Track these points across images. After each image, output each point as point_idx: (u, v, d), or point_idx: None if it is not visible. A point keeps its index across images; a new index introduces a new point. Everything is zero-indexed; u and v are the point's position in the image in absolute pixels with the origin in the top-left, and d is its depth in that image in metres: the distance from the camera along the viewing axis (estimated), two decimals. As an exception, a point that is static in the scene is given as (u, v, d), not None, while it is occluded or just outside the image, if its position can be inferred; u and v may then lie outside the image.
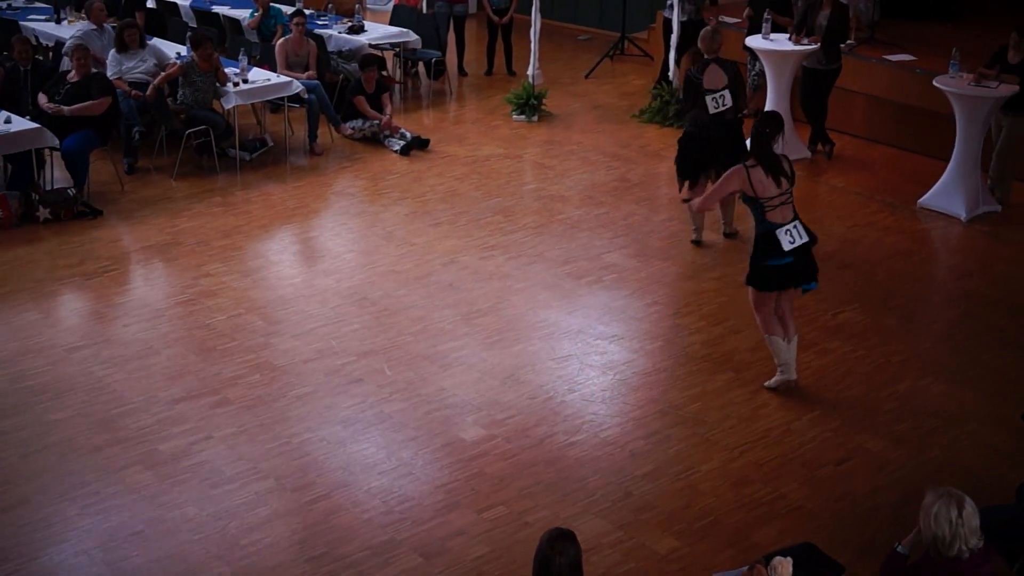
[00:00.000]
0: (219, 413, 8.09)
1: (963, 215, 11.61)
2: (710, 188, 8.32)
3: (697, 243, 10.93)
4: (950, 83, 11.60)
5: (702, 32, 10.66)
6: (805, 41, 12.89)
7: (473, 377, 8.59)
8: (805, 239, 8.10)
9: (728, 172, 8.19)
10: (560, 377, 8.65)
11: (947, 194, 11.77)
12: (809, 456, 7.69)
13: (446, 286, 10.12)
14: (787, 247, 8.03)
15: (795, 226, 8.07)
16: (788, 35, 13.12)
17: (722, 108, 10.51)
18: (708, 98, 10.47)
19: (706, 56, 10.59)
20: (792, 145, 13.29)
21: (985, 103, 11.38)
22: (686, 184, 10.83)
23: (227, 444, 7.73)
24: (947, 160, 11.91)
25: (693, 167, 10.76)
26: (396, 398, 8.30)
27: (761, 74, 14.15)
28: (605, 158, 13.39)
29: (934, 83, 11.79)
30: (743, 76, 10.74)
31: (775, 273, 8.14)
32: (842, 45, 13.20)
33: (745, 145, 10.53)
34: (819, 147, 13.55)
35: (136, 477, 7.38)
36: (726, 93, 10.52)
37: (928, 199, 11.92)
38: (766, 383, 8.50)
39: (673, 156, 11.05)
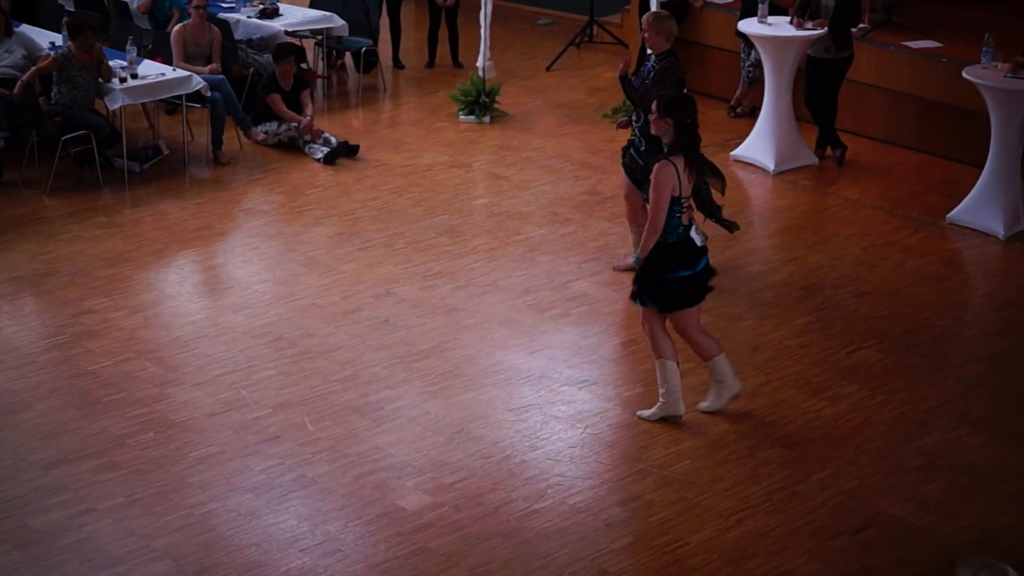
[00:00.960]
0: (104, 480, 8.03)
1: (1001, 232, 11.75)
2: (656, 202, 8.23)
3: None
4: (982, 74, 11.74)
5: (646, 17, 10.42)
6: (809, 25, 13.01)
7: (414, 433, 8.58)
8: (705, 237, 8.53)
9: (656, 176, 8.20)
10: (519, 432, 8.65)
11: (981, 207, 11.90)
12: (820, 524, 7.73)
13: (380, 323, 10.12)
14: (700, 242, 8.40)
15: (694, 227, 8.46)
16: (789, 18, 13.24)
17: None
18: None
19: (650, 50, 10.48)
20: (795, 149, 13.41)
21: (1024, 98, 11.54)
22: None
23: (114, 518, 7.68)
24: (980, 167, 12.05)
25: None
26: (320, 459, 8.28)
27: (757, 65, 14.27)
28: (571, 166, 13.45)
29: (963, 74, 11.94)
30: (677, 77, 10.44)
31: (688, 286, 8.43)
32: (854, 30, 13.33)
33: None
34: (828, 151, 13.66)
35: (3, 560, 7.30)
36: None
37: (959, 213, 12.05)
38: (640, 413, 8.74)
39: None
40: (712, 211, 9.74)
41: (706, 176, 8.55)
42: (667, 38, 10.33)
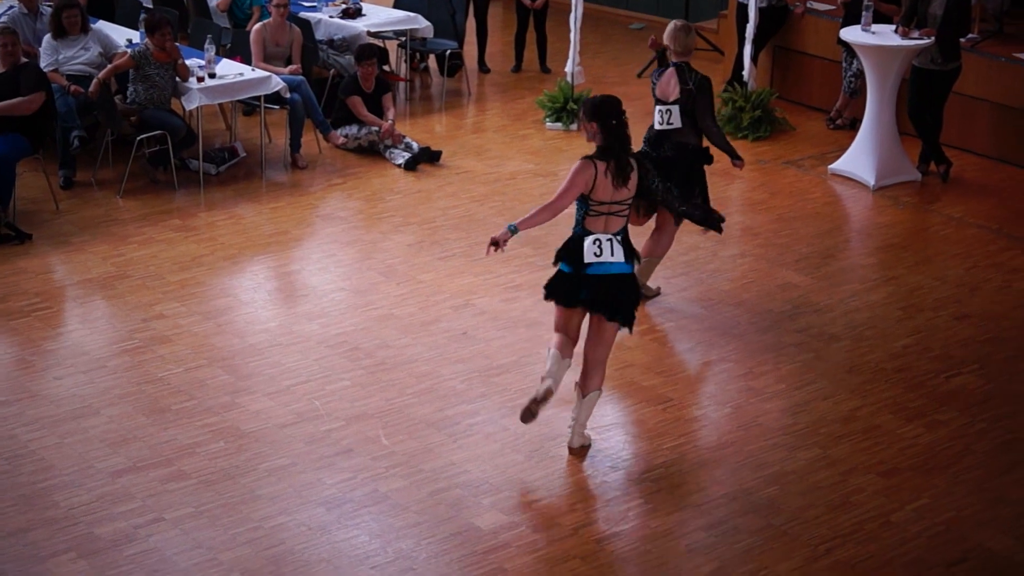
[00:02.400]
0: (172, 489, 8.14)
1: (1113, 255, 11.64)
2: (564, 185, 8.26)
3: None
4: (1098, 89, 11.65)
5: (669, 27, 10.41)
6: (915, 34, 12.96)
7: (491, 449, 8.63)
8: (618, 258, 8.24)
9: (572, 170, 8.22)
10: (601, 451, 8.68)
11: (1093, 228, 11.80)
12: (914, 556, 7.69)
13: (459, 335, 10.19)
14: (588, 258, 8.24)
15: (609, 240, 8.26)
16: (894, 27, 13.18)
17: (667, 127, 10.42)
18: (656, 109, 10.42)
19: (672, 59, 10.45)
20: (897, 164, 13.35)
21: None
22: None
23: (181, 528, 7.78)
24: (1093, 185, 11.96)
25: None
26: (394, 474, 8.34)
27: (859, 75, 14.22)
28: (661, 177, 13.45)
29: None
30: (710, 97, 10.40)
31: (561, 282, 8.40)
32: (962, 40, 13.26)
33: (694, 184, 10.49)
34: (932, 167, 13.59)
35: (67, 567, 7.42)
36: (674, 110, 10.35)
37: (1069, 234, 11.96)
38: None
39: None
40: (673, 204, 9.57)
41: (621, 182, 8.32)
42: (680, 51, 10.33)
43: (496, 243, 8.27)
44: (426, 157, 13.83)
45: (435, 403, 9.18)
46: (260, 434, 8.75)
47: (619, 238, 8.32)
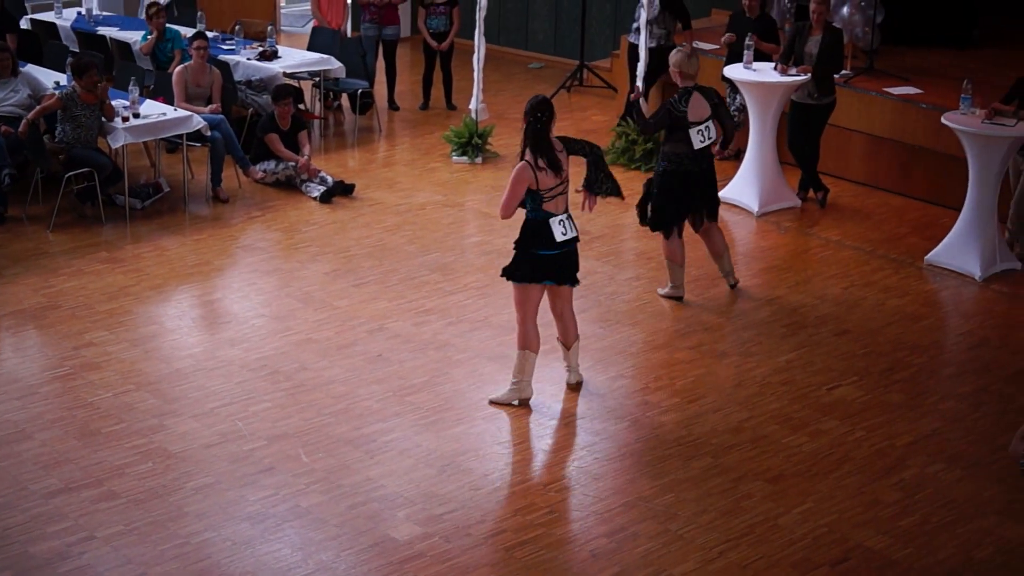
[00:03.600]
0: (103, 509, 8.05)
1: (977, 273, 11.81)
2: (507, 194, 9.00)
3: (677, 299, 11.13)
4: (961, 120, 11.82)
5: (674, 55, 10.81)
6: (793, 71, 13.11)
7: (405, 465, 8.61)
8: (575, 234, 9.19)
9: (515, 172, 8.95)
10: (509, 464, 8.68)
11: (959, 249, 11.96)
12: (800, 556, 7.75)
13: (374, 357, 10.16)
14: (559, 238, 9.08)
15: (568, 218, 9.15)
16: (774, 64, 13.33)
17: (707, 142, 10.75)
18: (693, 131, 10.65)
19: (682, 84, 10.76)
20: (779, 192, 13.48)
21: (1001, 144, 11.60)
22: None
23: (112, 546, 7.69)
24: (958, 209, 12.10)
25: (676, 211, 10.88)
26: (314, 490, 8.30)
27: (743, 109, 14.35)
28: (561, 207, 13.49)
29: (943, 120, 12.03)
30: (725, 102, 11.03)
31: (545, 262, 9.12)
32: (836, 76, 13.42)
33: (715, 182, 11.11)
34: (810, 194, 13.73)
35: (3, 586, 7.33)
36: (711, 124, 10.80)
37: (937, 255, 12.11)
38: (491, 396, 9.41)
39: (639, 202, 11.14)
40: (599, 190, 9.76)
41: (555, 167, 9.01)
42: (680, 75, 10.84)
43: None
44: (340, 190, 13.79)
45: (352, 422, 9.14)
46: (186, 454, 8.68)
47: (569, 215, 9.16)
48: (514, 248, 9.22)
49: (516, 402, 9.36)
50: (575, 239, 9.23)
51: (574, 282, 9.37)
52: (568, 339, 9.59)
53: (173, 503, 8.12)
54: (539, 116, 8.92)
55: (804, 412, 9.42)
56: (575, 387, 9.62)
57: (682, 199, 10.90)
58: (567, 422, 9.22)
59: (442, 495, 8.25)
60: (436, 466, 8.59)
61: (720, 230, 11.38)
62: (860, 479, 8.56)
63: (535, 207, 9.03)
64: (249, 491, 8.26)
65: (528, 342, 9.31)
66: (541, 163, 8.91)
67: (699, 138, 10.72)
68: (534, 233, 9.09)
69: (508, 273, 9.24)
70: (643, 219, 11.11)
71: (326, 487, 8.31)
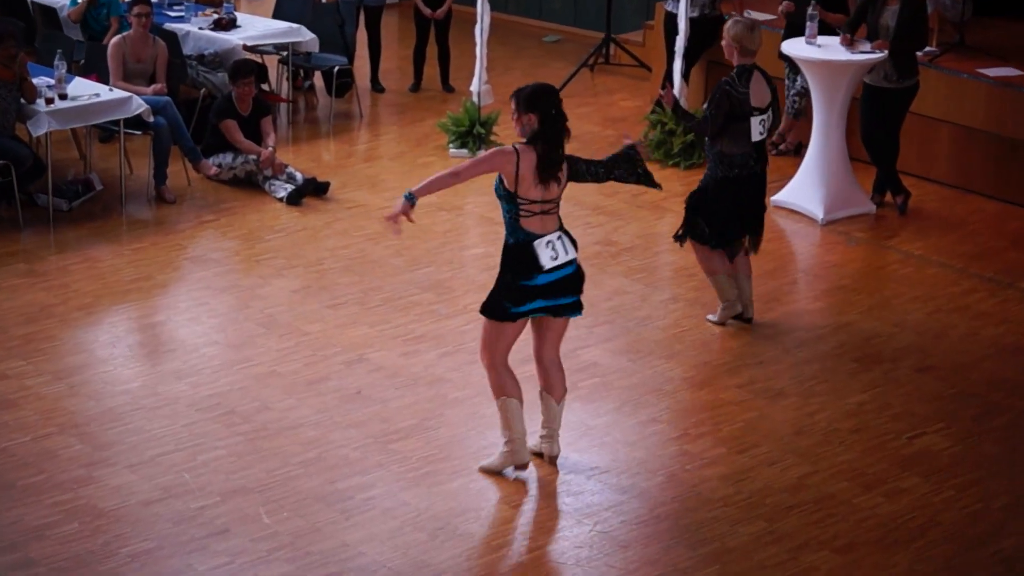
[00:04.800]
0: (18, 579, 8.04)
1: (1092, 297, 11.80)
2: (466, 163, 8.86)
3: (738, 318, 11.10)
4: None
5: (733, 27, 10.71)
6: (865, 47, 13.08)
7: (389, 528, 8.58)
8: (572, 255, 8.87)
9: (492, 151, 8.87)
10: (516, 528, 8.65)
11: (1069, 267, 11.95)
12: (875, 644, 7.73)
13: (351, 395, 10.14)
14: (547, 264, 8.75)
15: (559, 238, 8.82)
16: (840, 36, 13.30)
17: (765, 134, 10.73)
18: (755, 121, 10.62)
19: (739, 61, 10.69)
20: (848, 195, 13.45)
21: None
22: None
23: (29, 625, 7.68)
24: (1069, 218, 12.12)
25: (734, 228, 10.79)
26: (278, 558, 8.27)
27: (804, 94, 14.33)
28: (582, 211, 13.49)
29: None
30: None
31: (528, 296, 8.79)
32: (919, 54, 13.41)
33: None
34: (887, 198, 13.72)
35: None
36: (771, 113, 10.80)
37: (1043, 274, 12.11)
38: (481, 463, 9.21)
39: (686, 210, 11.08)
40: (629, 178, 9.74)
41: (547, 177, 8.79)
42: (739, 51, 10.72)
43: (396, 219, 8.64)
44: (312, 189, 13.79)
45: (324, 474, 9.12)
46: (120, 513, 8.65)
47: (562, 232, 8.83)
48: (500, 275, 8.95)
49: (510, 471, 9.17)
50: (573, 262, 8.89)
51: (575, 311, 9.01)
52: (555, 391, 9.19)
53: (104, 573, 8.07)
54: (559, 105, 8.66)
55: (879, 466, 9.38)
56: (552, 461, 9.26)
57: (742, 209, 10.79)
58: (587, 476, 9.18)
59: (434, 565, 8.22)
60: (427, 529, 8.56)
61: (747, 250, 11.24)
62: (949, 549, 8.52)
63: (512, 224, 8.74)
64: (197, 559, 8.22)
65: (504, 387, 9.01)
66: (532, 161, 8.61)
67: (759, 129, 10.68)
68: (516, 261, 8.79)
69: (488, 310, 8.96)
70: (690, 236, 10.99)
71: (292, 554, 8.28)
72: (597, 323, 11.23)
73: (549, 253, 8.73)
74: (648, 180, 9.38)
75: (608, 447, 9.56)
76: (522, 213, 8.68)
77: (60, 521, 8.55)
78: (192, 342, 10.90)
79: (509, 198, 8.68)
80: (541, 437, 9.28)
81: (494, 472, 9.15)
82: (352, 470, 9.18)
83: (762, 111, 10.68)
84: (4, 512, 8.62)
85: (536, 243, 8.70)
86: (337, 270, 12.19)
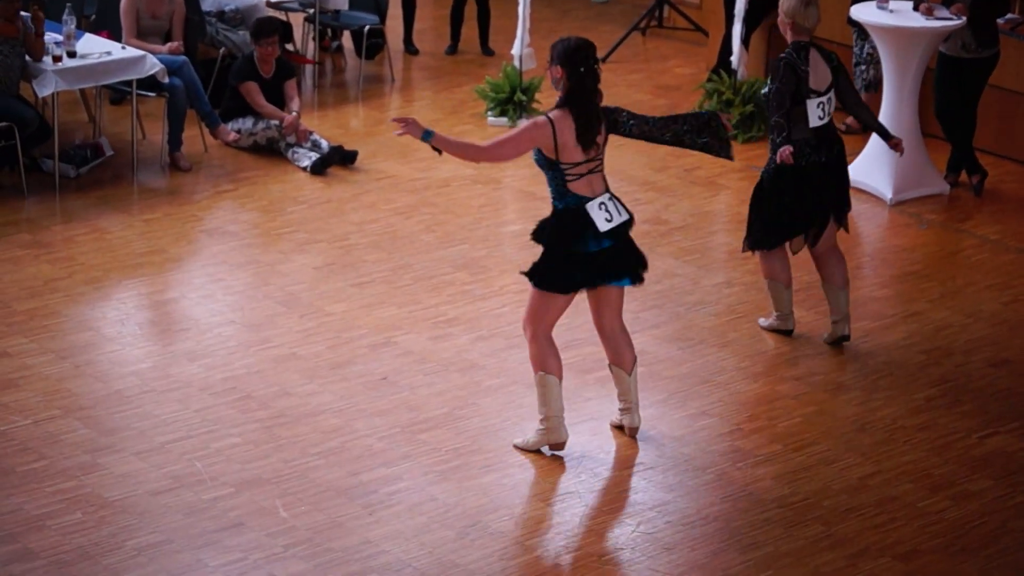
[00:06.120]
0: (16, 572, 8.05)
1: None
2: (509, 134, 9.01)
3: (785, 332, 10.99)
4: None
5: (787, 0, 10.63)
6: (943, 13, 13.04)
7: (416, 524, 8.62)
8: (625, 217, 9.13)
9: (524, 126, 8.99)
10: (552, 527, 8.68)
11: None
12: (939, 659, 7.74)
13: (377, 381, 10.17)
14: (603, 226, 8.97)
15: (610, 198, 9.08)
16: (914, 2, 13.25)
17: (827, 119, 10.54)
18: (812, 104, 10.49)
19: (794, 38, 10.60)
20: (920, 174, 13.43)
21: None
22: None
23: (27, 621, 7.73)
24: None
25: (789, 225, 10.69)
26: (295, 554, 8.31)
27: (872, 61, 14.28)
28: (631, 187, 13.50)
29: None
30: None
31: (582, 264, 8.98)
32: (1000, 21, 13.36)
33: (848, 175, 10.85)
34: (962, 177, 13.69)
35: None
36: (832, 96, 10.59)
37: None
38: (515, 441, 9.41)
39: (748, 192, 11.03)
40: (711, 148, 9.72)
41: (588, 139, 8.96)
42: (791, 27, 10.56)
43: (403, 126, 8.99)
44: (338, 158, 13.82)
45: (346, 466, 9.16)
46: (127, 503, 8.70)
47: (610, 194, 9.09)
48: (542, 245, 9.11)
49: (546, 449, 9.33)
50: (626, 224, 9.13)
51: (635, 279, 9.22)
52: (624, 362, 9.46)
53: (108, 567, 8.12)
54: (590, 64, 8.84)
55: (947, 467, 9.38)
56: (632, 434, 9.56)
57: (798, 207, 10.65)
58: (630, 472, 9.21)
59: (463, 566, 8.25)
60: (456, 527, 8.59)
61: (842, 254, 11.00)
62: (1021, 558, 8.51)
63: (559, 189, 8.95)
64: (209, 554, 8.27)
65: (545, 362, 9.23)
66: (570, 126, 8.81)
67: (818, 113, 10.52)
68: (567, 226, 9.00)
69: (533, 275, 9.15)
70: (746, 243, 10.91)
71: (310, 551, 8.32)
72: (645, 308, 11.24)
73: (603, 215, 8.95)
74: (725, 150, 9.48)
75: (654, 441, 9.57)
76: (568, 177, 8.89)
77: (62, 511, 8.59)
78: (206, 321, 10.95)
79: (552, 165, 8.87)
80: (620, 410, 9.53)
81: (529, 451, 9.30)
82: (376, 462, 9.22)
83: (820, 93, 10.49)
84: (2, 500, 8.67)
85: (588, 205, 8.92)
86: (364, 246, 12.22)
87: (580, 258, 8.96)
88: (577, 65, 8.80)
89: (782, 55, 10.58)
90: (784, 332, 10.99)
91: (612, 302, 9.26)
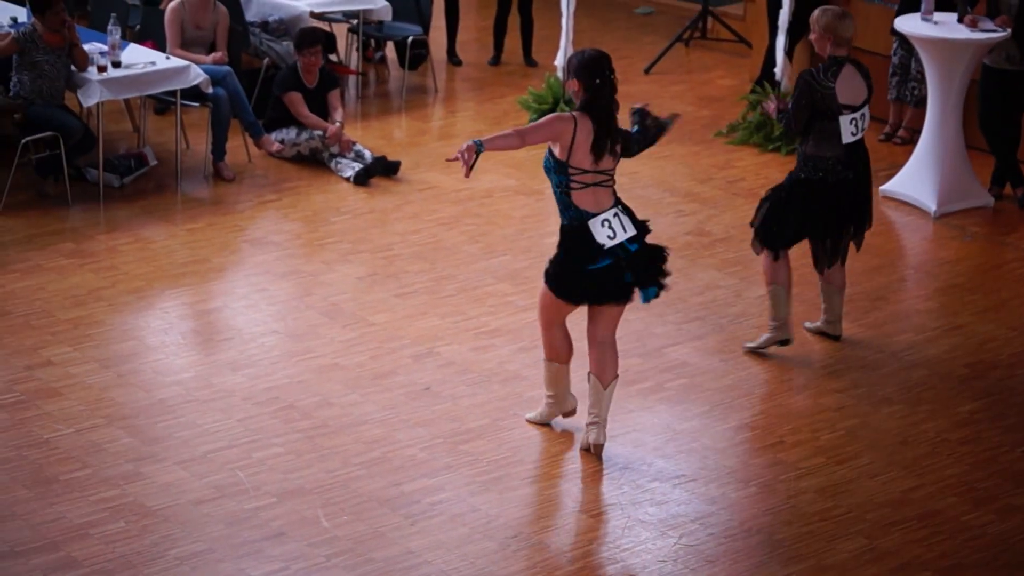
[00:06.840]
0: (59, 581, 8.12)
1: None
2: (531, 126, 9.22)
3: (783, 342, 10.92)
4: None
5: (822, 15, 10.53)
6: (988, 25, 13.00)
7: (458, 535, 8.62)
8: (631, 232, 9.11)
9: (552, 115, 9.13)
10: (594, 539, 8.68)
11: None
12: (982, 674, 7.71)
13: (419, 391, 10.18)
14: (606, 243, 9.01)
15: (615, 215, 9.07)
16: (959, 15, 13.22)
17: (860, 135, 10.51)
18: (845, 120, 10.45)
19: (833, 51, 10.56)
20: (964, 186, 13.38)
21: None
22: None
23: (70, 630, 7.76)
24: None
25: (797, 232, 10.68)
26: (337, 564, 8.32)
27: (922, 79, 14.24)
28: (673, 198, 13.49)
29: None
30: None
31: (590, 280, 9.10)
32: (1046, 33, 13.34)
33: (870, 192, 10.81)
34: (1007, 189, 13.64)
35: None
36: (867, 112, 10.56)
37: None
38: (528, 415, 9.77)
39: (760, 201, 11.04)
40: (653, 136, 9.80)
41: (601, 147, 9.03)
42: (832, 42, 10.54)
43: (462, 158, 8.90)
44: (381, 169, 13.84)
45: (388, 476, 9.17)
46: (169, 512, 8.72)
47: (620, 208, 9.10)
48: (559, 250, 9.23)
49: (560, 418, 9.63)
50: (637, 238, 9.12)
51: (647, 297, 9.25)
52: (605, 375, 9.38)
53: (151, 576, 8.18)
54: (606, 75, 8.92)
55: (991, 481, 9.35)
56: (597, 452, 9.41)
57: (810, 218, 10.62)
58: (673, 484, 9.20)
59: (505, 577, 8.27)
60: (498, 538, 8.59)
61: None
62: (1066, 574, 8.50)
63: (563, 199, 9.04)
64: (250, 563, 8.29)
65: (556, 352, 9.47)
66: (587, 131, 8.87)
67: (851, 129, 10.45)
68: (573, 247, 9.11)
69: (549, 278, 9.24)
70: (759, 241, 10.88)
71: (352, 561, 8.33)
72: (687, 319, 11.23)
73: (606, 232, 8.99)
74: (660, 128, 9.63)
75: (696, 453, 9.56)
76: (573, 185, 8.94)
77: (105, 519, 8.62)
78: (249, 331, 10.98)
79: (560, 168, 8.93)
80: (587, 424, 9.45)
81: (542, 423, 9.63)
82: (418, 472, 9.23)
83: (854, 109, 10.43)
84: (45, 509, 8.71)
85: (591, 222, 8.96)
86: (407, 256, 12.23)
87: (591, 275, 9.05)
88: (593, 77, 8.90)
89: (804, 71, 10.61)
90: (782, 342, 10.89)
91: (609, 313, 9.29)
